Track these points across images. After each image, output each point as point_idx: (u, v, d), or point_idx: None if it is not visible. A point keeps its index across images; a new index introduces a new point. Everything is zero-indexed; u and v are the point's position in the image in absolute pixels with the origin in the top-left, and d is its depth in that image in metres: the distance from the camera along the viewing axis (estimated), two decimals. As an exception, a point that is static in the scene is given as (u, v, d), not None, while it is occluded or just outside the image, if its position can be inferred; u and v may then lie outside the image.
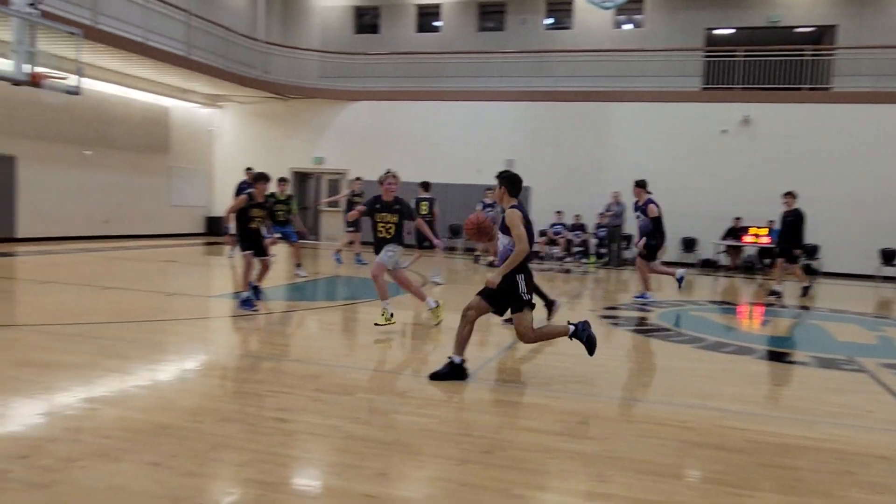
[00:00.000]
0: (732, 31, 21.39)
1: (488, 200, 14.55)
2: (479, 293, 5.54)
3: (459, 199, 19.80)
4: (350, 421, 4.35)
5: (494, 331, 8.13)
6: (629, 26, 22.00)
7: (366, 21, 24.11)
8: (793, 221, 11.70)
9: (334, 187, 22.32)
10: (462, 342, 5.47)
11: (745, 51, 18.94)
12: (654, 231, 10.50)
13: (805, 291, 12.13)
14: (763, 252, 17.84)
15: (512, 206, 5.54)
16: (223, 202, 22.14)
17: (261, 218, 8.45)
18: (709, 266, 18.14)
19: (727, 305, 11.44)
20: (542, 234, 18.75)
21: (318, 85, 21.57)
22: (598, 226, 18.38)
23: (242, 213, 8.31)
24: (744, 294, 13.65)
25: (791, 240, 11.77)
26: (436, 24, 23.27)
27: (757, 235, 17.30)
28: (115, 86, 17.73)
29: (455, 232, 19.92)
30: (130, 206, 18.66)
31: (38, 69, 11.35)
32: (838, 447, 4.31)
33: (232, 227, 8.76)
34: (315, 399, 4.80)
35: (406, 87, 20.95)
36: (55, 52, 11.87)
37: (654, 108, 18.89)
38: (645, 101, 18.97)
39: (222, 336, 7.39)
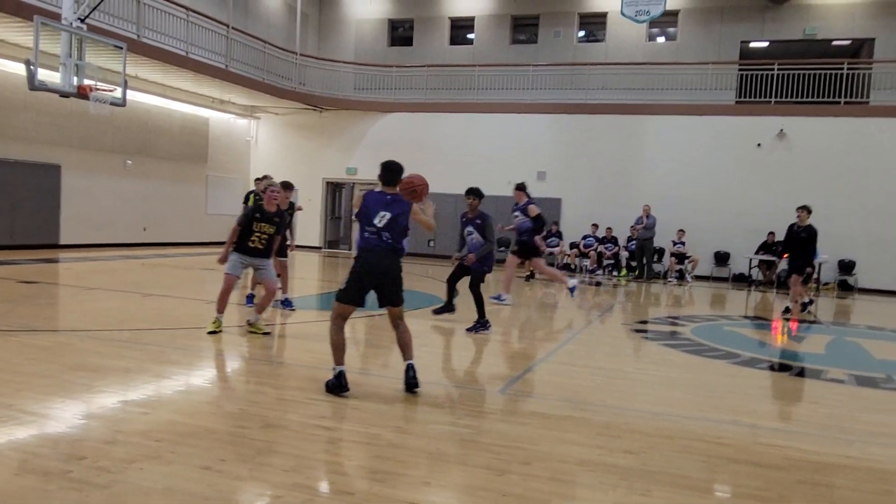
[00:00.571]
0: (767, 44, 21.24)
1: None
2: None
3: (490, 211, 19.85)
4: (391, 430, 4.46)
5: (526, 343, 8.20)
6: (662, 39, 21.97)
7: (399, 34, 24.41)
8: (806, 238, 11.41)
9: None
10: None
11: (781, 64, 18.80)
12: (533, 230, 10.49)
13: (805, 307, 11.99)
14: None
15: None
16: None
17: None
18: (742, 280, 17.98)
19: (761, 320, 11.36)
20: (574, 245, 18.76)
21: (352, 97, 21.87)
22: (630, 239, 18.34)
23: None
24: (777, 309, 13.52)
25: (804, 256, 11.49)
26: (469, 36, 23.47)
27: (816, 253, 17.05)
28: (156, 97, 18.20)
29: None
30: (169, 214, 19.09)
31: (86, 81, 11.71)
32: (878, 466, 4.30)
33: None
34: (354, 408, 4.92)
35: (439, 99, 21.15)
36: (101, 65, 12.23)
37: (688, 121, 18.82)
38: (678, 114, 18.91)
39: (260, 343, 7.56)
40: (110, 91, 12.14)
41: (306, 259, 19.10)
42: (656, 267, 18.30)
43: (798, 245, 11.43)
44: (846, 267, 17.56)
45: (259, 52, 19.63)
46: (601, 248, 18.55)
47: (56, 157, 15.89)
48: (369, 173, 21.58)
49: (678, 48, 21.20)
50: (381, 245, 5.31)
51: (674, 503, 3.54)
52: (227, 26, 18.24)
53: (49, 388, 4.99)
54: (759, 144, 18.25)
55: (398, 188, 5.60)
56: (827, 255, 17.28)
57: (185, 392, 5.35)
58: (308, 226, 22.38)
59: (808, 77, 18.47)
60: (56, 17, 11.73)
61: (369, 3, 23.81)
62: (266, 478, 3.68)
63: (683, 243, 18.02)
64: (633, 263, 18.21)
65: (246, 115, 22.10)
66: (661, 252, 18.49)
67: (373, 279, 5.35)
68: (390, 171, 5.61)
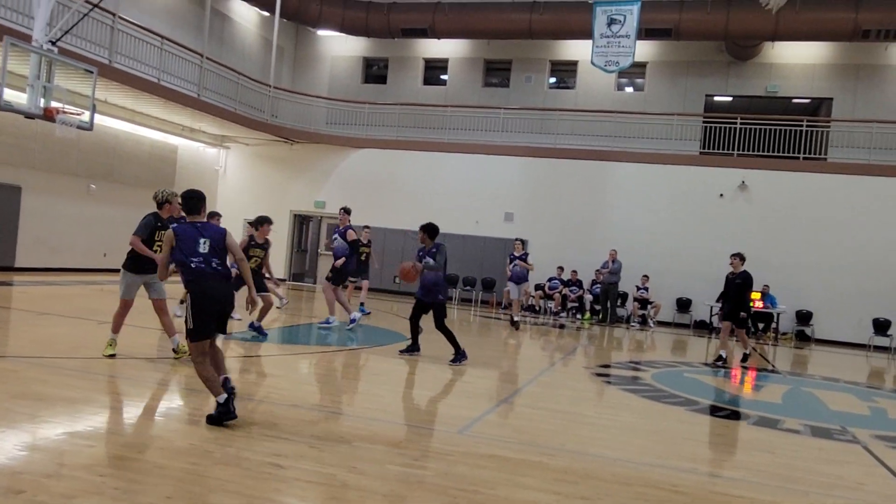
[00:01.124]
0: (731, 98, 21.92)
1: (517, 253, 14.50)
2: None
3: (458, 250, 19.96)
4: (346, 470, 4.37)
5: (485, 384, 8.16)
6: (630, 89, 22.55)
7: (374, 71, 24.65)
8: (741, 285, 11.34)
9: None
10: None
11: (743, 118, 19.39)
12: (349, 256, 11.42)
13: (745, 358, 11.63)
14: (756, 316, 17.92)
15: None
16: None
17: (259, 258, 9.28)
18: (703, 327, 18.21)
19: (720, 369, 11.46)
20: (539, 287, 18.85)
21: (323, 131, 21.93)
22: (594, 282, 18.51)
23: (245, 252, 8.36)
24: (736, 358, 13.67)
25: (738, 303, 11.37)
26: (442, 77, 23.80)
27: (751, 300, 17.36)
28: (126, 122, 18.01)
29: (452, 282, 20.00)
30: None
31: (53, 104, 11.54)
32: (830, 518, 4.32)
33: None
34: (311, 446, 4.81)
35: (410, 137, 21.32)
36: (70, 88, 12.09)
37: (653, 170, 19.22)
38: (644, 162, 19.32)
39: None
40: (78, 115, 11.97)
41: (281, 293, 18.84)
42: (619, 311, 18.46)
43: (733, 292, 11.34)
44: (803, 317, 17.91)
45: (232, 83, 19.62)
46: (566, 290, 18.67)
47: (17, 178, 15.57)
48: (338, 206, 21.44)
49: (646, 98, 21.75)
50: (214, 272, 5.33)
51: (629, 552, 3.51)
52: (202, 56, 18.23)
53: (-9, 417, 4.80)
54: (721, 195, 18.68)
55: None
56: (785, 305, 17.66)
57: (133, 425, 5.19)
58: (273, 258, 22.12)
59: (770, 132, 19.07)
60: (27, 38, 11.60)
61: (345, 40, 24.05)
62: (213, 517, 3.56)
63: (647, 289, 18.25)
64: (597, 307, 18.35)
65: (216, 144, 21.99)
66: (624, 297, 18.67)
67: (216, 306, 5.32)
68: (192, 199, 5.65)
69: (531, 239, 19.69)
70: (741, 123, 19.23)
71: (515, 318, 14.27)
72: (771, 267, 17.99)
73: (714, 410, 7.69)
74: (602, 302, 18.03)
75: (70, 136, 12.43)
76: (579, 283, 18.73)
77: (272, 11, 20.93)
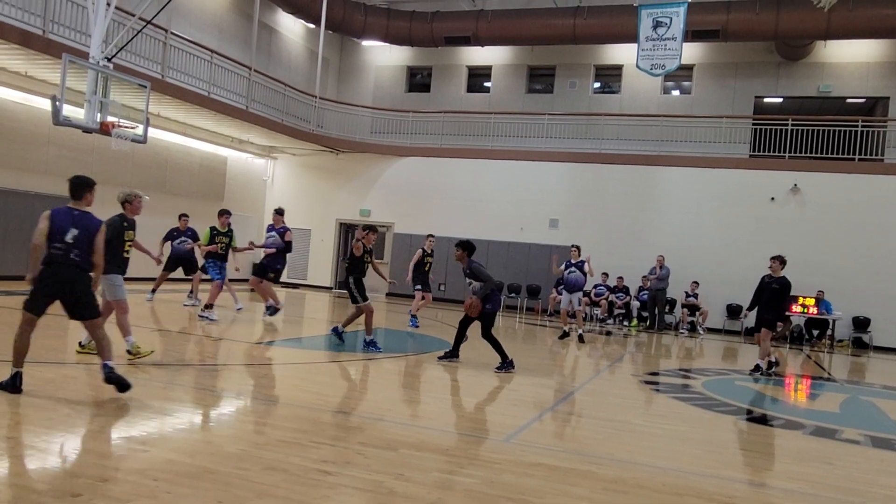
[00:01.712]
0: (781, 99, 21.40)
1: (574, 259, 13.34)
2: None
3: (502, 257, 19.92)
4: (393, 477, 4.38)
5: (532, 392, 8.10)
6: (677, 92, 22.20)
7: (418, 80, 24.82)
8: (778, 290, 10.62)
9: (379, 239, 22.65)
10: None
11: (795, 119, 18.90)
12: (281, 253, 12.14)
13: (757, 369, 10.73)
14: (810, 322, 17.43)
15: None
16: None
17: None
18: (753, 334, 17.74)
19: (773, 377, 11.16)
20: (585, 294, 18.63)
21: (368, 140, 22.15)
22: (641, 289, 18.24)
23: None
24: (791, 365, 13.31)
25: (775, 309, 10.71)
26: (486, 84, 23.82)
27: (805, 306, 16.93)
28: (177, 135, 18.50)
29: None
30: (182, 251, 19.20)
31: (109, 118, 11.93)
32: (893, 533, 4.16)
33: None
34: (358, 452, 4.84)
35: (454, 144, 21.38)
36: (125, 103, 12.48)
37: (701, 174, 18.87)
38: (691, 166, 18.98)
39: (266, 383, 7.51)
40: (132, 128, 12.36)
41: (316, 299, 19.10)
42: (668, 318, 18.14)
43: (769, 297, 10.69)
44: (861, 324, 17.33)
45: (279, 95, 19.98)
46: (612, 297, 18.44)
47: (75, 190, 16.11)
48: (383, 215, 21.77)
49: (693, 102, 21.39)
50: (67, 261, 5.58)
51: (681, 564, 3.43)
52: (250, 69, 18.62)
53: (49, 422, 4.95)
54: (772, 198, 18.23)
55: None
56: (841, 311, 17.11)
57: (185, 430, 5.30)
58: (319, 266, 22.46)
59: (823, 133, 18.54)
60: (84, 55, 12.02)
61: (389, 50, 24.28)
62: (263, 522, 3.61)
63: (696, 295, 17.89)
64: (645, 314, 18.08)
65: (263, 154, 22.41)
66: (672, 303, 18.35)
67: (56, 292, 5.62)
68: (76, 186, 5.84)
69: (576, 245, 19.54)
70: (793, 125, 18.75)
71: (580, 331, 13.28)
72: (826, 272, 17.48)
73: (768, 419, 7.49)
74: (650, 309, 17.76)
75: (125, 149, 12.84)
76: (626, 290, 18.48)
77: (318, 24, 21.26)
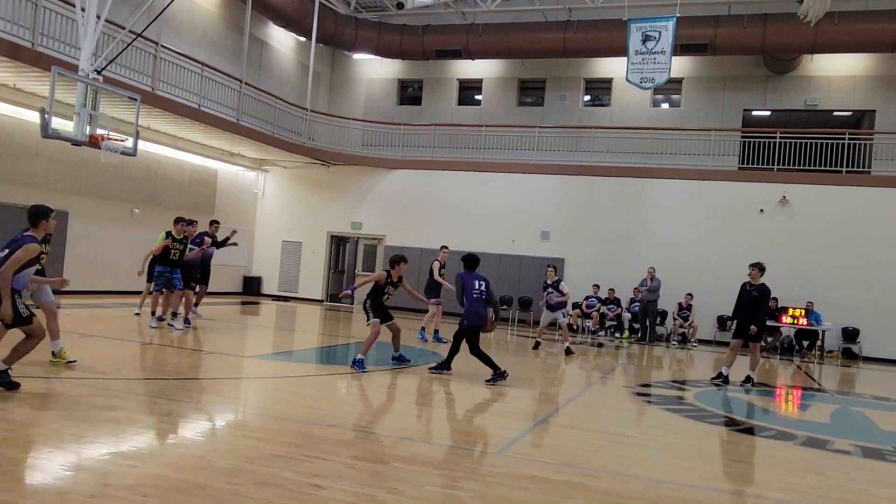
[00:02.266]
0: (769, 112, 21.60)
1: (549, 280, 13.23)
2: None
3: (494, 269, 19.93)
4: (386, 491, 4.35)
5: (524, 404, 8.08)
6: (666, 105, 22.37)
7: (409, 93, 24.91)
8: (757, 298, 10.45)
9: (371, 252, 22.66)
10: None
11: (783, 132, 19.06)
12: (196, 263, 12.40)
13: (748, 380, 10.63)
14: (800, 333, 17.51)
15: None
16: (263, 262, 22.63)
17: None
18: (745, 345, 17.78)
19: (764, 387, 11.19)
20: (576, 306, 18.68)
21: (359, 153, 22.17)
22: (632, 300, 18.29)
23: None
24: (781, 376, 13.35)
25: (751, 317, 10.50)
26: (477, 97, 23.93)
27: (794, 317, 17.02)
28: (167, 148, 18.45)
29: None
30: (172, 264, 19.11)
31: (98, 131, 11.90)
32: (885, 544, 4.16)
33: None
34: (351, 467, 4.82)
35: (445, 157, 21.43)
36: (115, 115, 12.45)
37: (691, 186, 18.98)
38: (681, 178, 19.08)
39: (257, 397, 7.46)
40: (122, 141, 12.33)
41: (308, 312, 19.03)
42: (659, 329, 18.18)
43: (747, 305, 10.56)
44: (850, 335, 17.42)
45: (270, 107, 19.99)
46: (603, 308, 18.46)
47: (64, 203, 16.02)
48: (374, 228, 21.77)
49: (682, 114, 21.56)
50: None
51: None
52: (241, 81, 18.63)
53: (37, 437, 4.90)
54: (761, 210, 18.35)
55: None
56: (830, 322, 17.20)
57: (175, 445, 5.26)
58: (311, 279, 22.40)
59: (810, 145, 18.70)
60: (73, 68, 12.00)
61: (380, 63, 24.36)
62: (254, 537, 3.57)
63: (690, 307, 17.92)
64: (636, 325, 18.11)
65: (254, 167, 22.38)
66: (663, 315, 18.39)
67: None
68: (35, 214, 6.53)
69: (567, 257, 19.59)
70: (781, 137, 18.91)
71: (566, 344, 13.16)
72: (815, 283, 17.59)
73: (759, 430, 7.50)
74: (641, 320, 17.80)
75: (114, 161, 12.79)
76: (617, 302, 18.51)
77: (309, 37, 21.33)
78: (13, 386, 6.14)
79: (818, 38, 18.48)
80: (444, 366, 9.18)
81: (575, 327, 18.32)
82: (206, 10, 19.95)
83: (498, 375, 8.84)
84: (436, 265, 13.37)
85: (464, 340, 9.07)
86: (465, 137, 21.75)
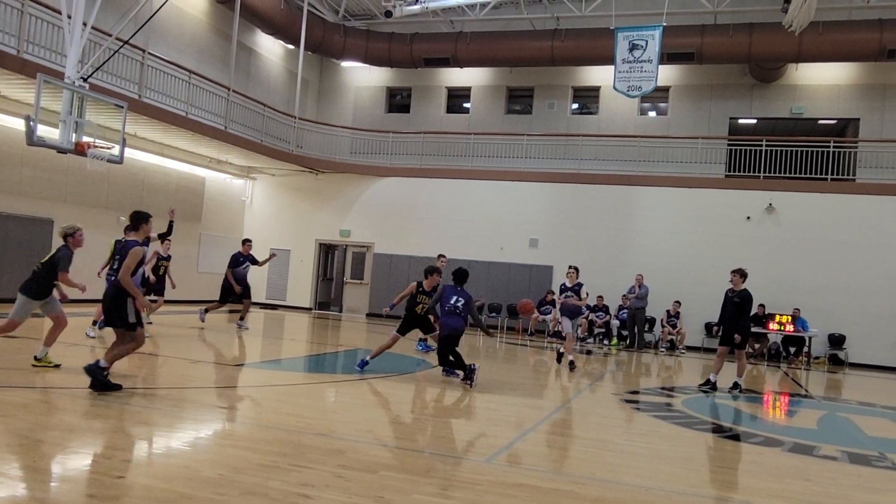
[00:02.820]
0: (755, 121, 21.78)
1: (570, 283, 12.35)
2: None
3: (483, 277, 19.95)
4: (373, 500, 4.33)
5: (513, 412, 8.07)
6: (653, 114, 22.53)
7: (397, 101, 24.94)
8: (739, 304, 10.47)
9: (359, 259, 22.62)
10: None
11: (769, 140, 19.22)
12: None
13: (735, 386, 10.75)
14: (787, 340, 17.62)
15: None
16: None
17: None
18: (732, 352, 17.87)
19: (751, 394, 11.24)
20: (565, 313, 18.67)
21: (348, 160, 22.15)
22: (621, 308, 18.34)
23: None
24: (768, 382, 13.42)
25: (737, 323, 10.54)
26: (465, 105, 23.99)
27: (781, 323, 17.13)
28: (154, 155, 18.35)
29: (478, 309, 19.94)
30: (159, 272, 18.99)
31: (84, 138, 11.81)
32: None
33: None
34: (338, 476, 4.78)
35: (434, 165, 21.45)
36: (101, 123, 12.37)
37: (679, 194, 19.09)
38: (669, 186, 19.20)
39: (245, 406, 7.41)
40: (108, 148, 12.24)
41: (296, 320, 18.95)
42: (647, 336, 18.23)
43: (731, 311, 10.60)
44: (836, 341, 17.54)
45: (258, 115, 19.95)
46: (592, 316, 18.50)
47: (49, 211, 15.90)
48: (363, 235, 21.73)
49: (669, 123, 21.70)
50: (109, 282, 7.35)
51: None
52: (229, 89, 18.58)
53: (20, 448, 4.84)
54: (748, 218, 18.47)
55: None
56: (817, 329, 17.31)
57: (161, 455, 5.21)
58: (299, 286, 22.32)
59: (796, 153, 18.87)
60: (59, 75, 11.92)
61: (368, 71, 24.39)
62: (241, 548, 3.54)
63: (678, 314, 17.99)
64: (625, 332, 18.16)
65: (242, 175, 22.30)
66: (652, 322, 18.45)
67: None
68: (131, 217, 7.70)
69: (556, 265, 19.62)
70: (767, 145, 19.07)
71: (571, 358, 11.98)
72: (801, 290, 17.72)
73: (747, 437, 7.53)
74: (629, 327, 17.85)
75: (100, 169, 12.70)
76: (606, 309, 18.56)
77: (297, 45, 21.33)
78: (116, 387, 6.72)
79: (803, 47, 18.68)
80: (463, 369, 9.14)
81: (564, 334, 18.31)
82: (193, 18, 19.91)
83: (470, 371, 8.99)
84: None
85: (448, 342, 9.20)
86: (454, 145, 21.80)
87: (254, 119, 19.79)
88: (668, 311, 18.09)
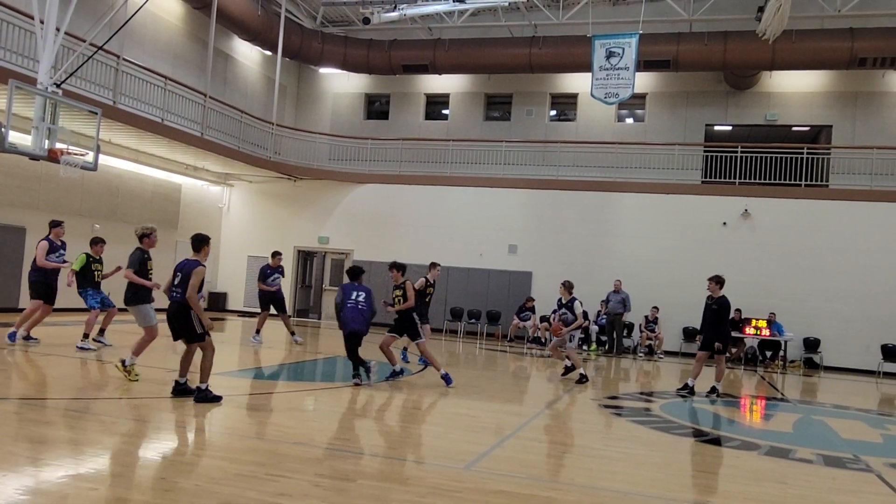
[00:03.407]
0: (731, 127, 22.05)
1: (565, 300, 12.03)
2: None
3: (462, 283, 19.97)
4: (351, 508, 4.29)
5: (492, 418, 8.07)
6: (631, 120, 22.72)
7: (376, 107, 24.92)
8: (717, 311, 10.58)
9: (338, 266, 22.51)
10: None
11: (744, 147, 19.46)
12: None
13: (713, 390, 10.79)
14: (763, 344, 17.81)
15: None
16: (228, 277, 22.31)
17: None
18: (710, 357, 18.02)
19: (729, 398, 11.34)
20: (544, 319, 18.75)
21: (326, 167, 22.06)
22: (599, 313, 18.42)
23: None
24: (745, 386, 13.55)
25: (715, 330, 10.62)
26: (444, 112, 24.02)
27: (757, 328, 17.32)
28: (129, 162, 18.14)
29: (456, 315, 19.95)
30: (134, 280, 18.74)
31: (57, 145, 11.63)
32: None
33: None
34: (316, 484, 4.74)
35: (413, 171, 21.44)
36: (75, 129, 12.19)
37: (656, 200, 19.25)
38: (646, 192, 19.35)
39: (222, 415, 7.32)
40: (82, 155, 12.05)
41: (274, 328, 18.78)
42: (626, 342, 18.33)
43: (709, 318, 10.72)
44: (811, 345, 17.76)
45: (235, 121, 19.80)
46: (571, 322, 18.53)
47: (21, 219, 15.65)
48: (342, 242, 21.64)
49: (646, 129, 21.90)
50: (173, 299, 7.47)
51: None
52: (205, 95, 18.43)
53: (-8, 460, 4.74)
54: (724, 223, 18.67)
55: None
56: (792, 333, 17.52)
57: (137, 466, 5.12)
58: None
59: (771, 160, 19.11)
60: (32, 81, 11.75)
61: (347, 77, 24.34)
62: (217, 560, 3.49)
63: (657, 320, 18.10)
64: (603, 338, 18.23)
65: (219, 182, 22.12)
66: (630, 327, 18.55)
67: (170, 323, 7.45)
68: (193, 240, 7.85)
69: (535, 271, 19.68)
70: (742, 152, 19.30)
71: (581, 371, 11.59)
72: (777, 294, 17.92)
73: (724, 441, 7.59)
74: (608, 333, 17.92)
75: (74, 176, 12.49)
76: (584, 315, 18.59)
77: (275, 51, 21.23)
78: (217, 399, 7.20)
79: (776, 55, 18.97)
80: (357, 372, 9.39)
81: (543, 340, 18.38)
82: (169, 24, 19.74)
83: (366, 371, 9.34)
84: (421, 281, 12.29)
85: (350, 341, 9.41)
86: (433, 152, 21.81)
87: (231, 126, 19.65)
88: (646, 317, 18.21)
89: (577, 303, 11.67)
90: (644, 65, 19.04)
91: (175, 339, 7.45)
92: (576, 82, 22.00)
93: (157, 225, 9.95)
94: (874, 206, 17.82)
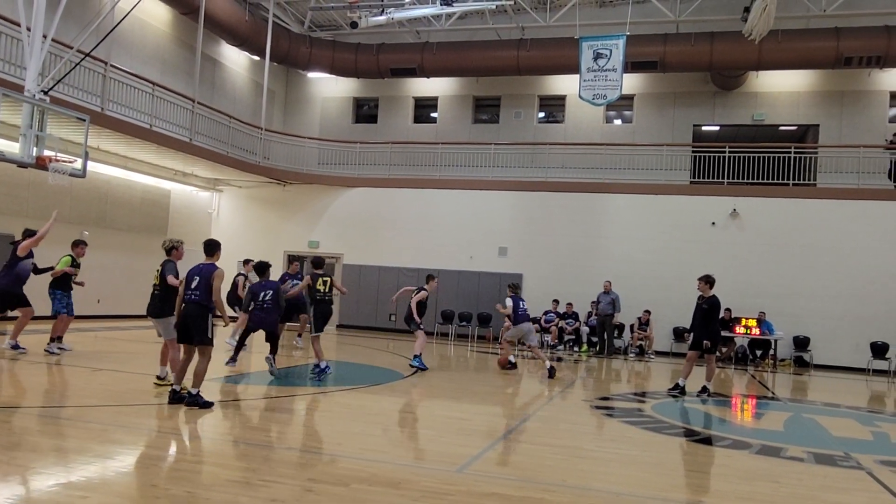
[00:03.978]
0: (718, 127, 22.18)
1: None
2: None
3: (452, 286, 19.97)
4: (344, 513, 4.29)
5: (483, 420, 8.07)
6: (619, 121, 22.80)
7: (364, 111, 24.91)
8: (707, 310, 10.65)
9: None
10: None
11: (732, 147, 19.58)
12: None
13: (704, 390, 10.88)
14: (754, 343, 17.90)
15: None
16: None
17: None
18: (700, 356, 18.09)
19: (719, 397, 11.39)
20: (535, 321, 18.77)
21: (315, 171, 22.03)
22: (590, 314, 18.47)
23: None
24: (736, 385, 13.61)
25: (705, 329, 10.67)
26: (432, 115, 24.04)
27: (748, 327, 17.41)
28: (118, 168, 18.05)
29: (447, 318, 19.95)
30: (124, 286, 18.63)
31: (46, 152, 11.57)
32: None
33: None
34: (308, 489, 4.73)
35: (402, 175, 21.44)
36: (63, 136, 12.13)
37: (645, 200, 19.33)
38: (635, 193, 19.43)
39: (212, 421, 7.30)
40: (70, 162, 12.00)
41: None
42: (617, 342, 18.38)
43: (699, 318, 10.78)
44: (801, 343, 17.86)
45: (224, 127, 19.75)
46: (562, 323, 18.61)
47: (9, 227, 15.53)
48: (332, 246, 21.59)
49: (634, 130, 21.99)
50: (190, 300, 7.49)
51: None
52: (193, 101, 18.37)
53: (-18, 471, 4.71)
54: (713, 223, 18.77)
55: None
56: (782, 331, 17.62)
57: (127, 474, 5.10)
58: (268, 299, 22.05)
59: (758, 159, 19.23)
60: (19, 88, 11.68)
61: (335, 82, 24.33)
62: (209, 567, 3.48)
63: (648, 321, 18.16)
64: (594, 339, 18.28)
65: (208, 187, 22.04)
66: (621, 328, 18.61)
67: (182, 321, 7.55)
68: (205, 245, 8.10)
69: (525, 272, 19.71)
70: (730, 152, 19.41)
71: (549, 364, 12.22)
72: (767, 293, 18.03)
73: (716, 440, 7.62)
74: (599, 334, 17.97)
75: (63, 183, 12.42)
76: (575, 316, 18.69)
77: (262, 56, 21.19)
78: (208, 405, 7.24)
79: (763, 55, 19.09)
80: (234, 359, 10.62)
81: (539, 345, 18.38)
82: (156, 29, 19.68)
83: (235, 359, 10.48)
84: (422, 294, 12.32)
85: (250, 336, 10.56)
86: (422, 155, 21.82)
87: (220, 131, 19.59)
88: (639, 319, 18.28)
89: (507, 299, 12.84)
90: (631, 66, 19.12)
91: (180, 341, 7.57)
92: (564, 84, 22.07)
93: (147, 231, 9.97)
94: (862, 204, 17.96)
